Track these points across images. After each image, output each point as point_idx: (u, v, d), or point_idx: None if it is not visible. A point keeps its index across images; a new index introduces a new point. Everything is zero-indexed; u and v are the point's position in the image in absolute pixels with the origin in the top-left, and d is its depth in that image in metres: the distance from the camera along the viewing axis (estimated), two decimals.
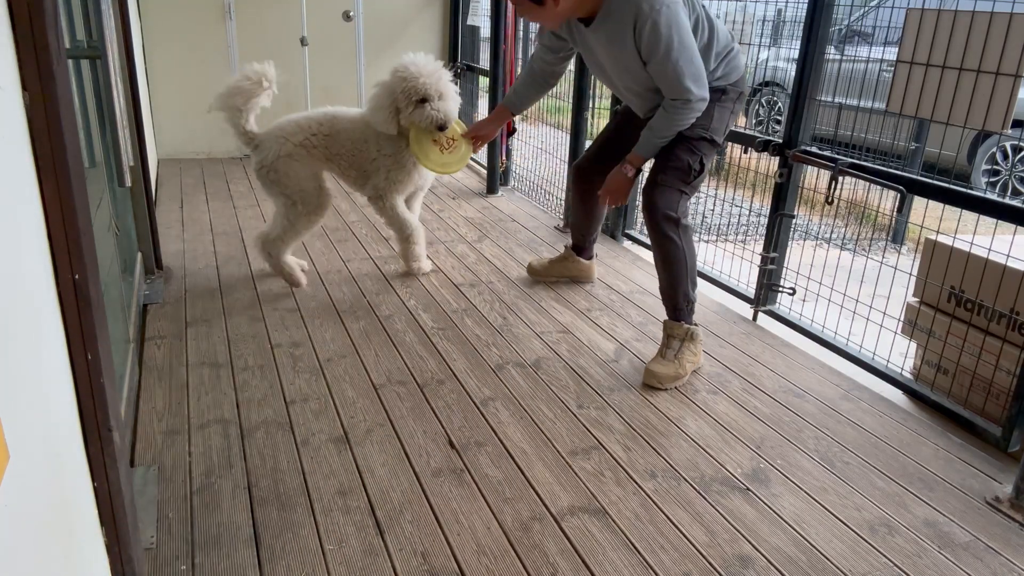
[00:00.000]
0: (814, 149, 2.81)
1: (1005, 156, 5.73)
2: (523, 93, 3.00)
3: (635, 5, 2.31)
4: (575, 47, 2.72)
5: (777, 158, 2.90)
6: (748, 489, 1.98)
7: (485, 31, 5.45)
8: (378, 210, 3.15)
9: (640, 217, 4.07)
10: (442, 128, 2.94)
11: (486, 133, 3.12)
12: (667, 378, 2.48)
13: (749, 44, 3.56)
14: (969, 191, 2.38)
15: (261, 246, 3.07)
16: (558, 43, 2.77)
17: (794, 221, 3.01)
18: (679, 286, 2.56)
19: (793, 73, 2.82)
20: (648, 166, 2.66)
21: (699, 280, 3.41)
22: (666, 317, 2.61)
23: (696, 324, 2.60)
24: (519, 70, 4.91)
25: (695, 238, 2.66)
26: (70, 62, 1.53)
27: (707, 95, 2.42)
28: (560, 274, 3.36)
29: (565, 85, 4.53)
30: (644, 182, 2.60)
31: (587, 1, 2.40)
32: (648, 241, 3.84)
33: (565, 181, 4.14)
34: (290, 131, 3.00)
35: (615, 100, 3.81)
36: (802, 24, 2.78)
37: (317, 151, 3.03)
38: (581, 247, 3.31)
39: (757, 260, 3.08)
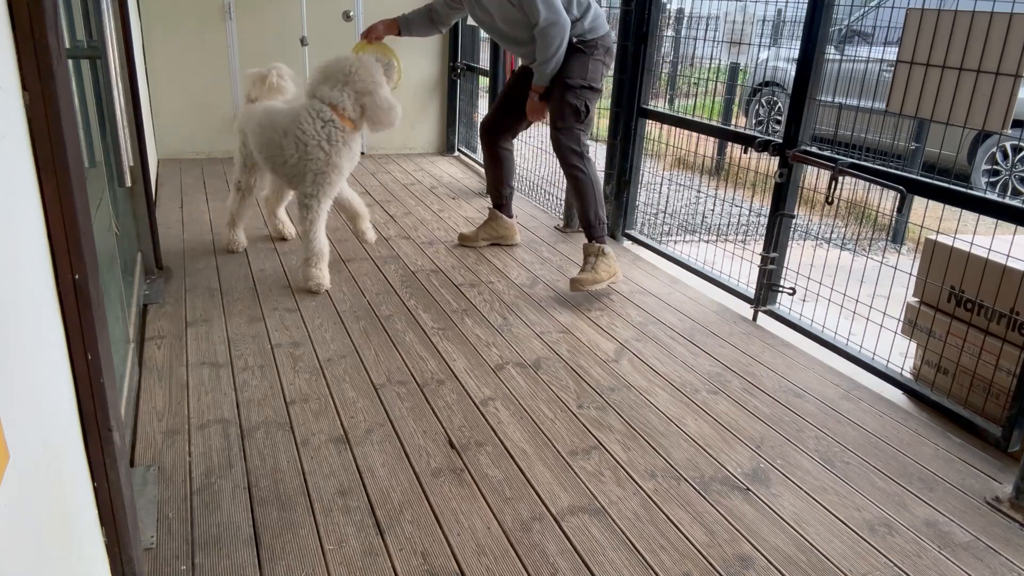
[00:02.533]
0: (814, 149, 2.81)
1: (1005, 156, 5.73)
2: (414, 20, 3.43)
3: None
4: (466, 6, 3.26)
5: (777, 158, 2.90)
6: (748, 489, 1.98)
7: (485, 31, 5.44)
8: (303, 216, 3.06)
9: (640, 217, 4.07)
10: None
11: (376, 31, 3.38)
12: (587, 281, 3.11)
13: (749, 44, 3.56)
14: (969, 191, 2.38)
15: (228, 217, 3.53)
16: (455, 3, 3.33)
17: (794, 221, 3.01)
18: (590, 208, 3.22)
19: (793, 73, 2.82)
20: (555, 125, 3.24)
21: (698, 279, 3.48)
22: (585, 241, 3.24)
23: (606, 242, 3.24)
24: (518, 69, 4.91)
25: (695, 236, 2.71)
26: (70, 62, 1.53)
27: (559, 20, 3.02)
28: (489, 236, 3.75)
29: None
30: (550, 131, 3.25)
31: None
32: (650, 242, 3.86)
33: (565, 181, 4.14)
34: (244, 116, 3.31)
35: (618, 93, 3.81)
36: (802, 24, 2.78)
37: (249, 141, 3.28)
38: (501, 204, 3.73)
39: (757, 260, 3.08)
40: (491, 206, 3.79)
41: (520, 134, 3.74)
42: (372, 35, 3.35)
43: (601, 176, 3.78)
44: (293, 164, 3.03)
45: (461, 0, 3.28)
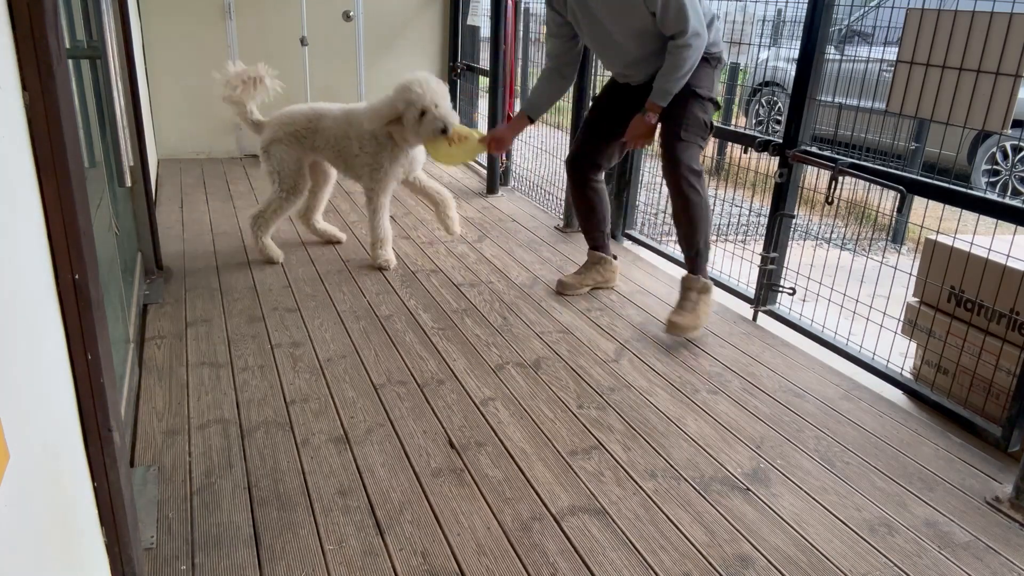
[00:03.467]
0: (814, 149, 2.80)
1: (1005, 156, 5.73)
2: (540, 92, 3.08)
3: None
4: (574, 20, 2.85)
5: (777, 158, 2.90)
6: (748, 489, 1.98)
7: (485, 31, 5.45)
8: (368, 206, 3.42)
9: (640, 217, 4.07)
10: (444, 131, 3.08)
11: (502, 136, 3.20)
12: (689, 328, 2.74)
13: (749, 44, 3.56)
14: (969, 191, 2.38)
15: (251, 221, 3.44)
16: (559, 26, 2.92)
17: (794, 221, 3.01)
18: (700, 235, 2.79)
19: (793, 73, 2.82)
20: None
21: (683, 249, 3.42)
22: (685, 272, 2.87)
23: (709, 278, 2.85)
24: (519, 70, 4.91)
25: None
26: (70, 62, 1.53)
27: (704, 33, 2.64)
28: (594, 282, 3.25)
29: None
30: (662, 141, 2.80)
31: None
32: (650, 242, 3.85)
33: (565, 181, 4.14)
34: (285, 120, 3.39)
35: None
36: (802, 24, 2.78)
37: (305, 141, 3.37)
38: (599, 245, 3.24)
39: (757, 260, 3.07)
40: (590, 248, 3.27)
41: (526, 137, 3.56)
42: (496, 142, 3.17)
43: (601, 176, 3.55)
44: (355, 156, 3.32)
45: (568, 25, 2.90)
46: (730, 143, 3.68)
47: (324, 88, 5.45)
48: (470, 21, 5.50)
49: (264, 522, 1.77)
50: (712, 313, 3.09)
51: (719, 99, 2.85)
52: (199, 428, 2.14)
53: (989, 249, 2.31)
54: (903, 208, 2.53)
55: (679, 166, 2.71)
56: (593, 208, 3.17)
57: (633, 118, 2.83)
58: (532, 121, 3.13)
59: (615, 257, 3.29)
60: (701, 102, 2.75)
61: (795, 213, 2.96)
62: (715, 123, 2.87)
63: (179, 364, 2.50)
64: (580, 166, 3.10)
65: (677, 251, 3.69)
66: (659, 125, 2.82)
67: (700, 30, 2.61)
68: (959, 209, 2.32)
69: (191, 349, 2.60)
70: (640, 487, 1.96)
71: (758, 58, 6.24)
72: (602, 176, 3.16)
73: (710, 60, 2.78)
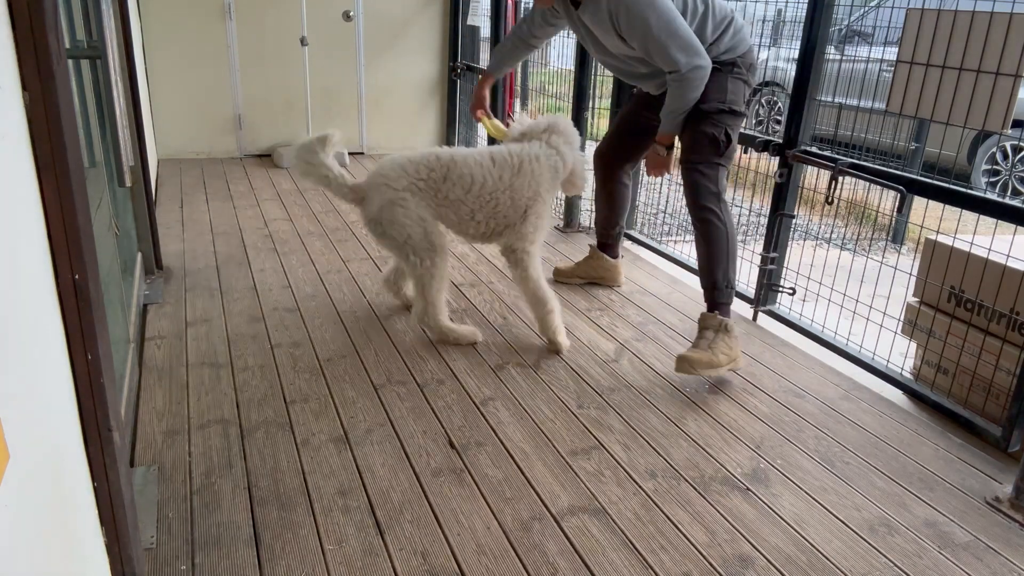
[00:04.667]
0: (814, 149, 2.80)
1: (1005, 156, 5.73)
2: (501, 58, 3.12)
3: None
4: (572, 29, 2.81)
5: (777, 158, 2.90)
6: (748, 489, 1.98)
7: (485, 31, 5.45)
8: (514, 264, 2.71)
9: (640, 218, 4.07)
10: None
11: (480, 96, 3.12)
12: (700, 363, 2.41)
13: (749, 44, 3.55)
14: (969, 191, 2.38)
15: (418, 323, 2.77)
16: (553, 18, 2.86)
17: (794, 221, 3.01)
18: (719, 264, 2.54)
19: (793, 73, 2.82)
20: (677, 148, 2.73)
21: (698, 279, 3.44)
22: (704, 310, 2.59)
23: (730, 316, 2.57)
24: (519, 69, 4.91)
25: (692, 237, 2.68)
26: (70, 62, 1.53)
27: (702, 63, 2.44)
28: (586, 275, 3.33)
29: (565, 85, 4.53)
30: (680, 166, 2.64)
31: None
32: (650, 242, 3.85)
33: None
34: (393, 176, 2.60)
35: (619, 92, 3.81)
36: (802, 24, 2.78)
37: (426, 195, 2.60)
38: (606, 243, 3.30)
39: (757, 260, 3.07)
40: (594, 244, 3.33)
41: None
42: (481, 105, 3.09)
43: (627, 172, 3.27)
44: (508, 208, 2.65)
45: (560, 16, 2.80)
46: None
47: (324, 88, 5.46)
48: (470, 21, 5.50)
49: (264, 522, 1.77)
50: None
51: (737, 108, 2.57)
52: (199, 428, 2.14)
53: (989, 249, 2.31)
54: (903, 208, 2.53)
55: (692, 188, 2.55)
56: (612, 203, 3.20)
57: (648, 150, 2.78)
58: (494, 79, 3.17)
59: (617, 257, 3.32)
60: (708, 117, 2.53)
61: (795, 213, 2.96)
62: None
63: (179, 364, 2.50)
64: (609, 161, 3.11)
65: (677, 251, 3.70)
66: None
67: (697, 60, 2.42)
68: (959, 209, 2.32)
69: (191, 349, 2.60)
70: (640, 487, 1.96)
71: (758, 58, 6.23)
72: (630, 174, 3.19)
73: (722, 68, 2.55)
